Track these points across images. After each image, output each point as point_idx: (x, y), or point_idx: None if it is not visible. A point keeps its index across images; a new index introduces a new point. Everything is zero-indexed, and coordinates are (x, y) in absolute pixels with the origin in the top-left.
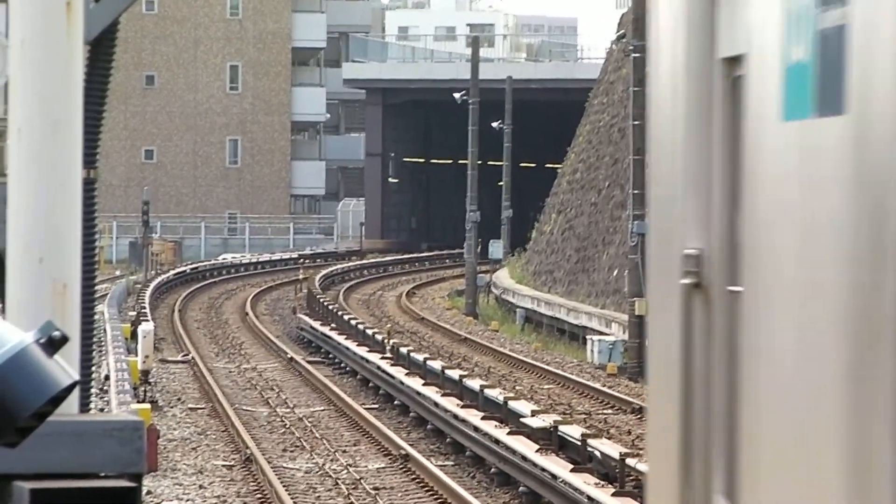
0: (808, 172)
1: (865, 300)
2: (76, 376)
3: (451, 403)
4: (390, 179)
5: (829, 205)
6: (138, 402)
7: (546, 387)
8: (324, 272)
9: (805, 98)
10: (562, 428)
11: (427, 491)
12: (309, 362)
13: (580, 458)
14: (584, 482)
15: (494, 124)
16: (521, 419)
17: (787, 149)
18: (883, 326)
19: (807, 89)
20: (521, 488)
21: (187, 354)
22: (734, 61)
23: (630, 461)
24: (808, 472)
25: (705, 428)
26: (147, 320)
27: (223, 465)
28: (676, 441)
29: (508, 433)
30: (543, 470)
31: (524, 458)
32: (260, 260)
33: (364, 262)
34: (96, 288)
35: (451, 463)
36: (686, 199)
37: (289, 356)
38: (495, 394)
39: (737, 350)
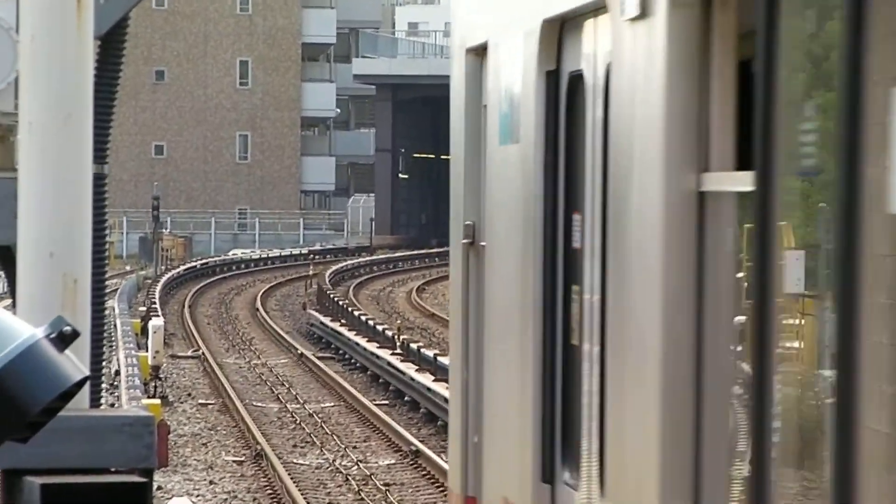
0: (506, 175)
1: (527, 252)
2: (87, 371)
3: None
4: (400, 175)
5: (514, 194)
6: (149, 397)
7: None
8: (334, 268)
9: (506, 132)
10: None
11: (437, 487)
12: (319, 358)
13: None
14: None
15: None
16: None
17: (500, 162)
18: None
19: (507, 127)
20: None
21: (197, 350)
22: (486, 108)
23: None
24: (513, 394)
25: (476, 360)
26: (157, 316)
27: (233, 461)
28: (458, 366)
29: None
30: None
31: None
32: (270, 255)
33: (374, 258)
34: (106, 283)
35: None
36: (465, 192)
37: (299, 352)
38: None
39: (483, 287)
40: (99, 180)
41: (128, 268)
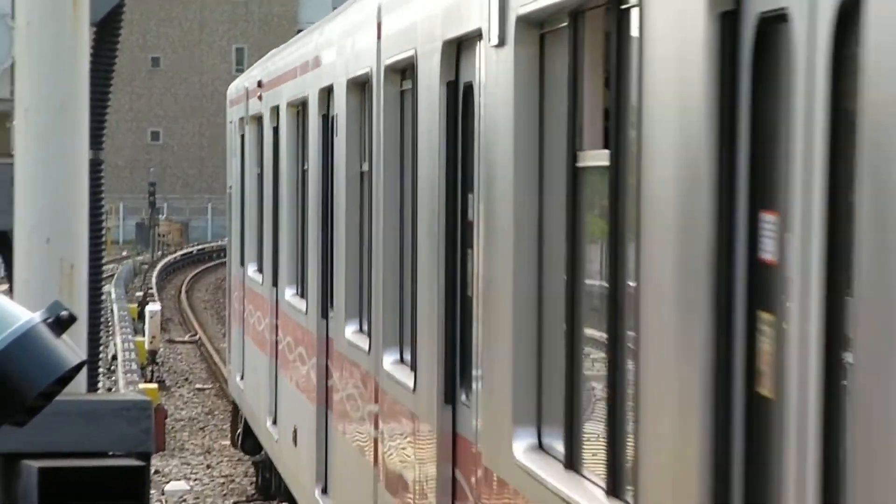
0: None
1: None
2: (84, 356)
3: None
4: None
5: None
6: (146, 382)
7: None
8: None
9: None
10: None
11: None
12: None
13: None
14: None
15: None
16: None
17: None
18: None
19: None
20: None
21: (195, 335)
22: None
23: None
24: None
25: None
26: (154, 301)
27: (231, 445)
28: None
29: None
30: None
31: None
32: None
33: None
34: (103, 268)
35: None
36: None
37: None
38: None
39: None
40: (95, 166)
41: (124, 253)
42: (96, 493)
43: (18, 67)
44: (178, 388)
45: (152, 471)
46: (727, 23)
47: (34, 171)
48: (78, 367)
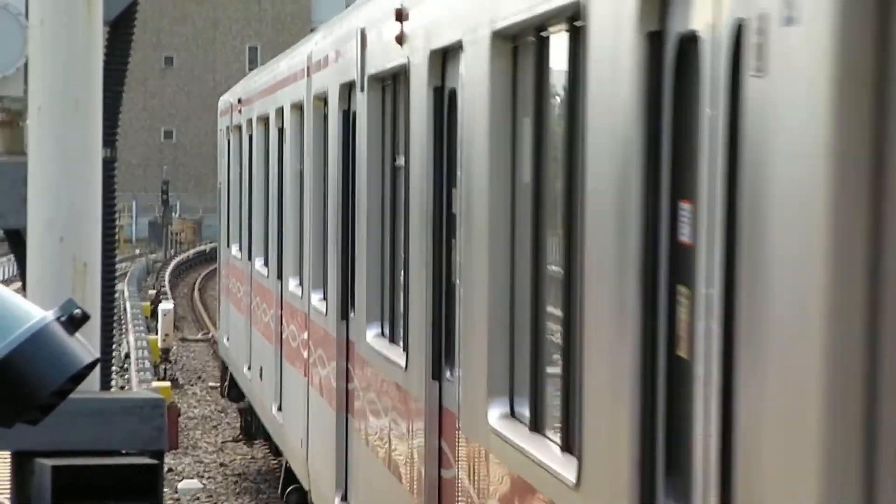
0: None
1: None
2: (97, 354)
3: None
4: None
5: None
6: (159, 380)
7: None
8: None
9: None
10: None
11: None
12: None
13: None
14: None
15: None
16: None
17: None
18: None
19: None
20: None
21: (207, 333)
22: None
23: None
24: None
25: None
26: (167, 299)
27: (244, 443)
28: None
29: None
30: None
31: None
32: None
33: None
34: (116, 267)
35: None
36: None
37: None
38: None
39: None
40: (108, 165)
41: (137, 251)
42: (109, 491)
43: (32, 66)
44: (191, 386)
45: (165, 469)
46: (654, 42)
47: (47, 169)
48: (91, 366)
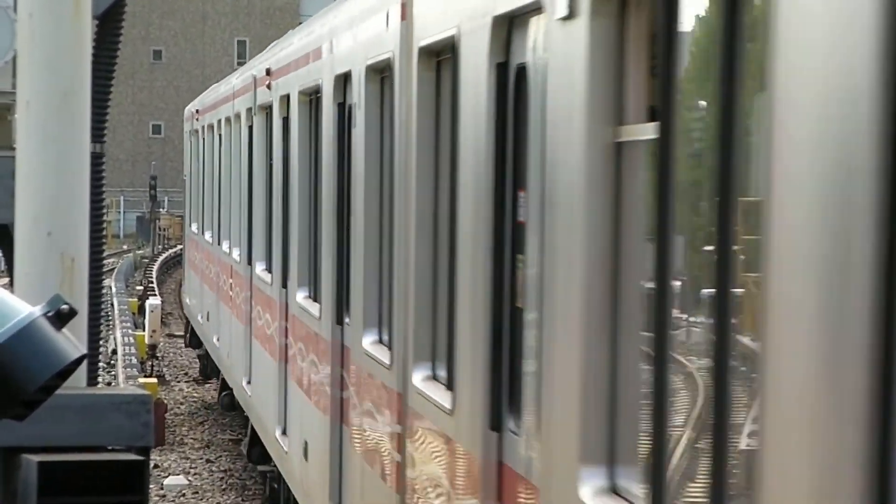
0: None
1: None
2: (84, 350)
3: None
4: None
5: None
6: (145, 376)
7: None
8: None
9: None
10: None
11: None
12: None
13: None
14: None
15: None
16: None
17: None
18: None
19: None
20: None
21: None
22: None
23: None
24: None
25: None
26: (154, 295)
27: (230, 440)
28: None
29: None
30: None
31: None
32: None
33: None
34: (104, 262)
35: None
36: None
37: None
38: None
39: None
40: (96, 159)
41: (125, 247)
42: (96, 486)
43: (20, 60)
44: (178, 382)
45: (152, 465)
46: (501, 70)
47: (35, 164)
48: (78, 361)
